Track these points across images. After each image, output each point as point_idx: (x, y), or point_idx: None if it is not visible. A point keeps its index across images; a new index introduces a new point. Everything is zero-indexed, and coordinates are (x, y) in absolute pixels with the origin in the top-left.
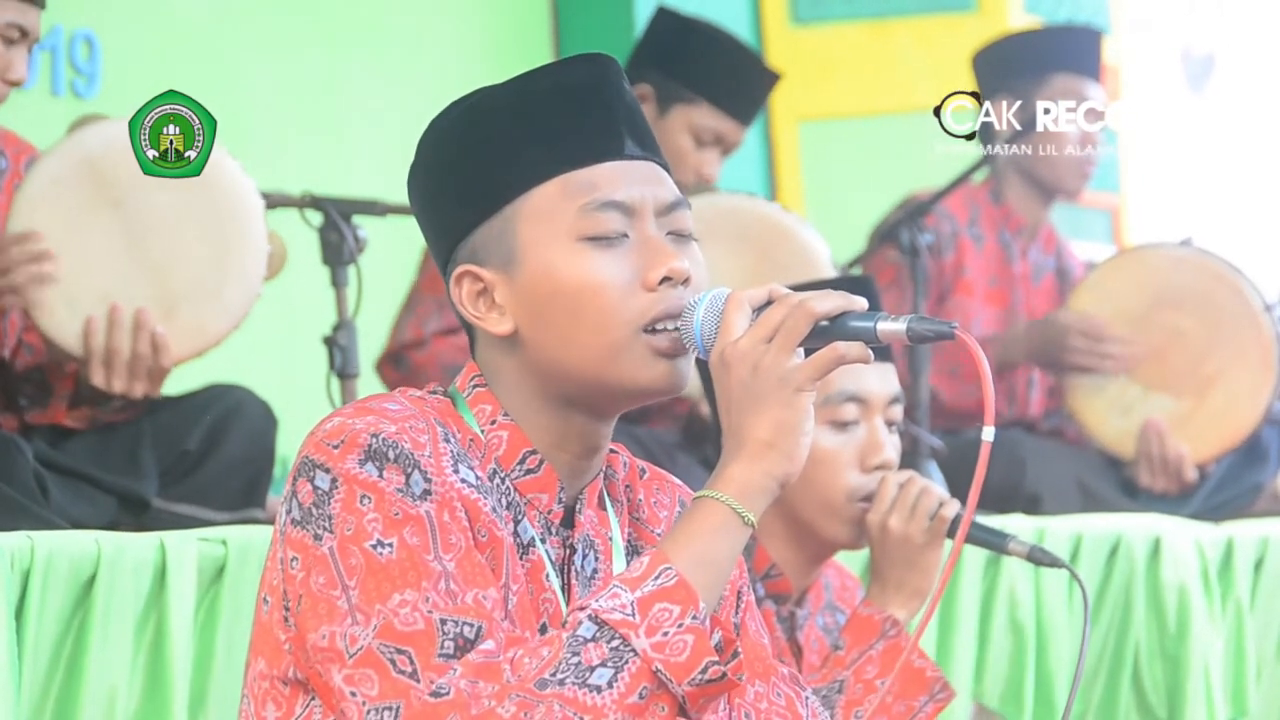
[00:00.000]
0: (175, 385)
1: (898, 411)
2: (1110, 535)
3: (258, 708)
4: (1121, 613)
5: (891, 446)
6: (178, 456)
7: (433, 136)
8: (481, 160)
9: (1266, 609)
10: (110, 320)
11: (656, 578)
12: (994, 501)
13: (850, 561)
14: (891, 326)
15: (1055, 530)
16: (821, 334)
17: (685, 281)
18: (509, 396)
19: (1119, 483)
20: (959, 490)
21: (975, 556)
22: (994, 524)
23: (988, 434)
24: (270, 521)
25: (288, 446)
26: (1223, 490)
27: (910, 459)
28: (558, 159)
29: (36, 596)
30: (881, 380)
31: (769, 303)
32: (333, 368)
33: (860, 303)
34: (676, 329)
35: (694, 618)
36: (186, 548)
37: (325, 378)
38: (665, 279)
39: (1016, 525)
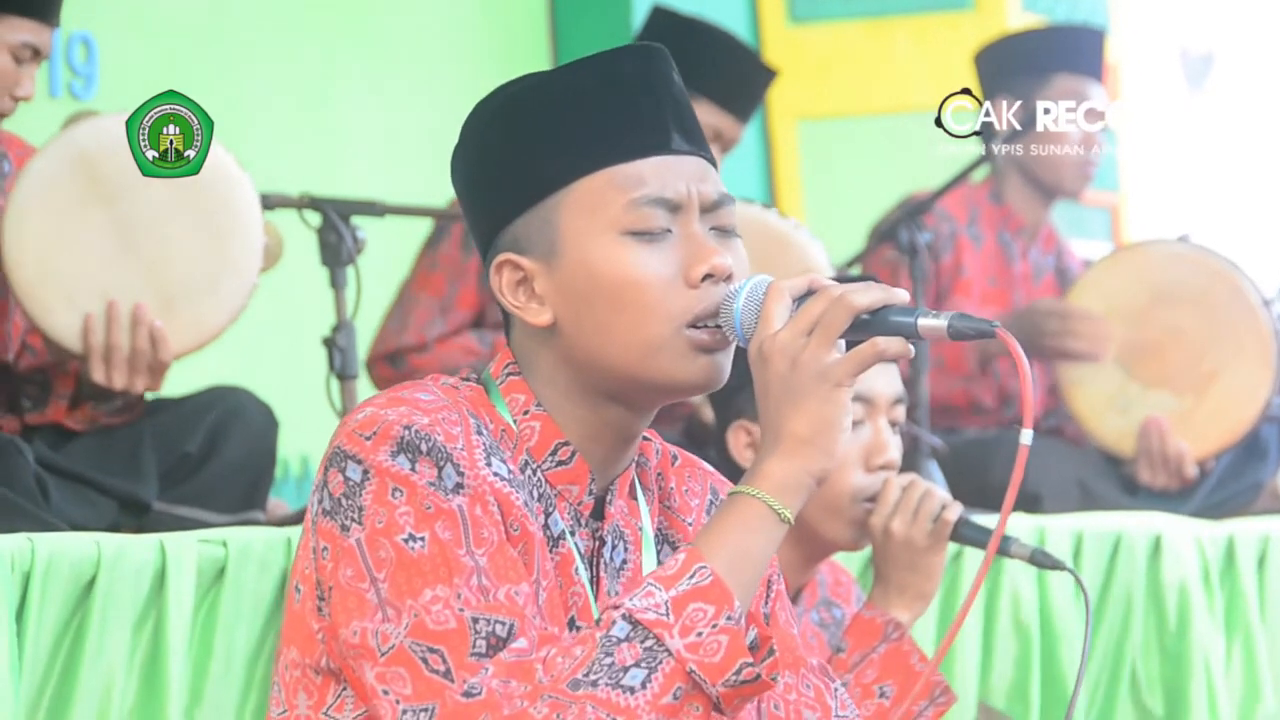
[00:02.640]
0: (176, 387)
1: (901, 412)
2: (1111, 534)
3: (288, 696)
4: (1122, 611)
5: (895, 447)
6: (178, 459)
7: (478, 122)
8: (527, 150)
9: (1270, 607)
10: (109, 316)
11: (691, 576)
12: (994, 500)
13: (850, 560)
14: (933, 323)
15: (1055, 529)
16: (861, 327)
17: (728, 278)
18: (544, 387)
19: (1119, 481)
20: (959, 490)
21: (976, 558)
22: (995, 523)
23: (1026, 437)
24: (270, 523)
25: (288, 448)
26: (1223, 488)
27: (911, 458)
28: (605, 152)
29: (36, 598)
30: (886, 380)
31: (809, 293)
32: (332, 369)
33: (901, 296)
34: (718, 326)
35: (729, 618)
36: (186, 549)
37: (325, 379)
38: (708, 276)
39: (1017, 524)
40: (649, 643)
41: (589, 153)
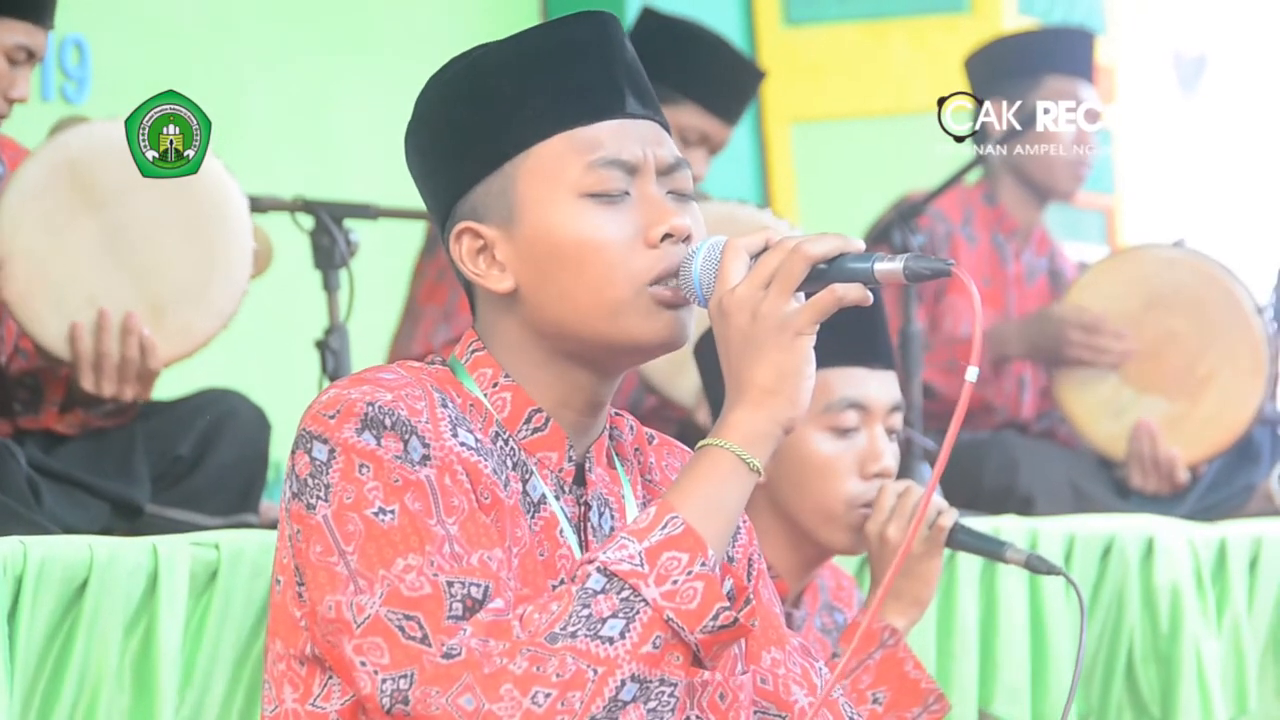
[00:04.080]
0: (169, 390)
1: (898, 419)
2: (1103, 536)
3: (277, 691)
4: (1115, 613)
5: (891, 454)
6: (171, 462)
7: (432, 94)
8: (483, 116)
9: (1262, 609)
10: (98, 325)
11: (663, 527)
12: (987, 503)
13: (847, 564)
14: (888, 266)
15: (1048, 531)
16: (819, 277)
17: (687, 239)
18: (509, 356)
19: (1111, 484)
20: (953, 494)
21: (973, 560)
22: (988, 526)
23: (971, 374)
24: (263, 526)
25: (281, 451)
26: (1215, 491)
27: (903, 461)
28: (561, 116)
29: (29, 602)
30: (883, 388)
31: (766, 249)
32: (325, 372)
33: (857, 244)
34: (678, 284)
35: (703, 565)
36: (179, 552)
37: (318, 382)
38: (667, 236)
39: (1009, 526)
40: (625, 593)
41: (545, 117)
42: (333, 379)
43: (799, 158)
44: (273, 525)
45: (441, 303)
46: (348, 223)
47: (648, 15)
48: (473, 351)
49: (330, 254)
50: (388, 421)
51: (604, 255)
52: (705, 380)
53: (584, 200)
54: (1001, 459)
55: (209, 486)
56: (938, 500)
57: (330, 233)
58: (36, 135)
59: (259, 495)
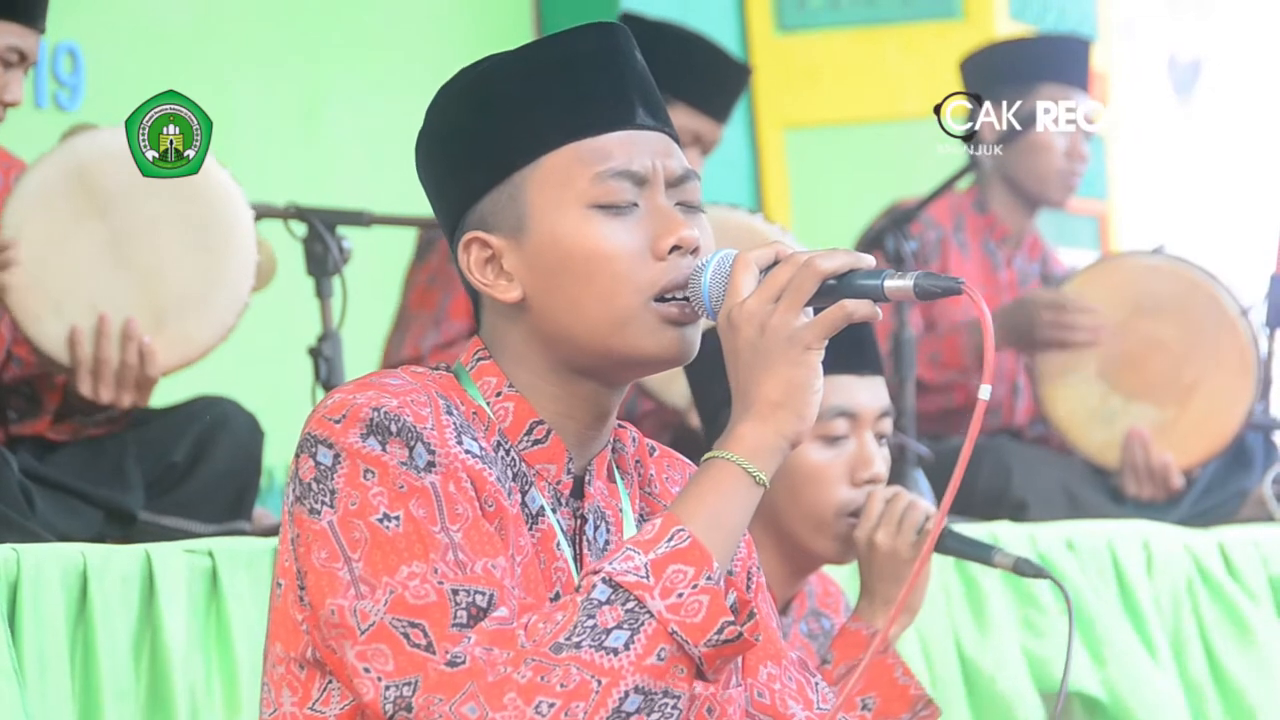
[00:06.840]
0: (162, 397)
1: (887, 425)
2: (1101, 542)
3: (276, 694)
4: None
5: (881, 460)
6: (164, 469)
7: (443, 103)
8: (492, 126)
9: (1259, 614)
10: (98, 330)
11: (669, 539)
12: (981, 508)
13: (843, 574)
14: (899, 284)
15: (1046, 537)
16: (829, 292)
17: (695, 251)
18: (515, 366)
19: (1105, 489)
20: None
21: (964, 568)
22: (982, 531)
23: (984, 392)
24: (256, 533)
25: (274, 458)
26: (1209, 496)
27: (897, 467)
28: (570, 126)
29: (29, 609)
30: (871, 394)
31: (776, 263)
32: (318, 379)
33: (867, 260)
34: (686, 298)
35: (708, 579)
36: (174, 559)
37: (311, 389)
38: (675, 248)
39: (1007, 533)
40: (630, 604)
41: (554, 128)
42: (326, 386)
43: (792, 164)
44: (266, 532)
45: (432, 308)
46: (341, 230)
47: (627, 20)
48: (478, 359)
49: (323, 261)
50: (393, 427)
51: (612, 266)
52: (694, 386)
53: (592, 211)
54: (995, 465)
55: (202, 493)
56: (926, 505)
57: (323, 240)
58: (29, 142)
59: (252, 502)
